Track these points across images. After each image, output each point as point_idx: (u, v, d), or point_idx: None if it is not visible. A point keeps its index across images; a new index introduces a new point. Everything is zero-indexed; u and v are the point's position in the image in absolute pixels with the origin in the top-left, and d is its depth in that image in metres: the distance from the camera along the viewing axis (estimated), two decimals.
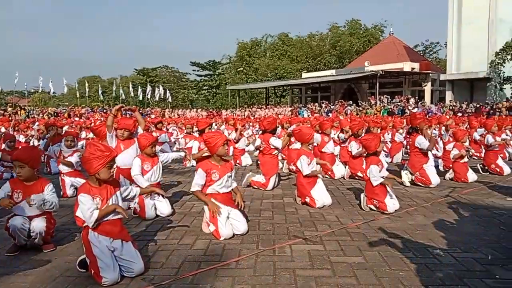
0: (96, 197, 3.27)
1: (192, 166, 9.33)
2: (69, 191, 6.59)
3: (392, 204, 5.29)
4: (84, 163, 3.31)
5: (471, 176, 7.52)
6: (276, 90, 56.00)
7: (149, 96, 50.06)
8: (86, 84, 52.40)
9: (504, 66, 29.98)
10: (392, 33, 47.95)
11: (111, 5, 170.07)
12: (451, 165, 7.89)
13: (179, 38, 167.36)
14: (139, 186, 4.87)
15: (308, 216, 5.16)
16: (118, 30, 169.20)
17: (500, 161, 8.53)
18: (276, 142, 6.99)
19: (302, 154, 5.73)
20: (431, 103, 34.04)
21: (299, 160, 5.71)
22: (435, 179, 7.03)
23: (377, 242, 4.10)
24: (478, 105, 27.46)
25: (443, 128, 9.61)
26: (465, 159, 7.68)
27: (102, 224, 3.27)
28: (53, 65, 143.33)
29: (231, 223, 4.31)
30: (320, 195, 5.67)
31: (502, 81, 30.67)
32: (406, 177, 7.27)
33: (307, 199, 5.66)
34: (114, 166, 3.63)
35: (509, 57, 29.47)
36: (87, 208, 3.18)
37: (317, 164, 5.96)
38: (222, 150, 4.38)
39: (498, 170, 8.35)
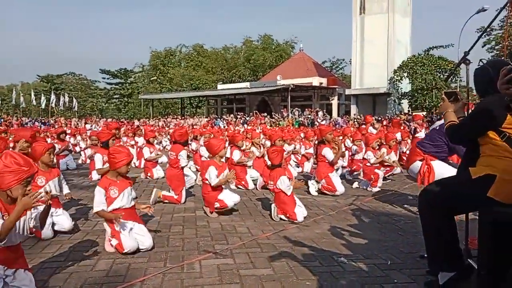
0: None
1: (99, 179, 8.79)
2: None
3: (300, 212, 5.45)
4: None
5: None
6: (192, 101, 55.56)
7: (53, 105, 46.72)
8: None
9: (401, 83, 33.05)
10: (302, 49, 50.22)
11: (8, 3, 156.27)
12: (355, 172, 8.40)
13: (87, 44, 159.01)
14: None
15: (220, 229, 5.10)
16: (19, 32, 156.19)
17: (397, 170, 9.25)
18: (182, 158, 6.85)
19: (210, 165, 5.70)
20: (338, 116, 36.24)
21: (208, 171, 5.67)
22: (340, 188, 7.37)
23: (285, 252, 4.15)
24: (379, 118, 29.68)
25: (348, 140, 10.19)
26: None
27: None
28: None
29: (135, 238, 4.11)
30: (227, 196, 5.77)
31: (400, 96, 33.68)
32: (312, 186, 7.55)
33: (217, 204, 5.67)
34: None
35: (405, 74, 32.50)
36: None
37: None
38: (124, 169, 4.22)
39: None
